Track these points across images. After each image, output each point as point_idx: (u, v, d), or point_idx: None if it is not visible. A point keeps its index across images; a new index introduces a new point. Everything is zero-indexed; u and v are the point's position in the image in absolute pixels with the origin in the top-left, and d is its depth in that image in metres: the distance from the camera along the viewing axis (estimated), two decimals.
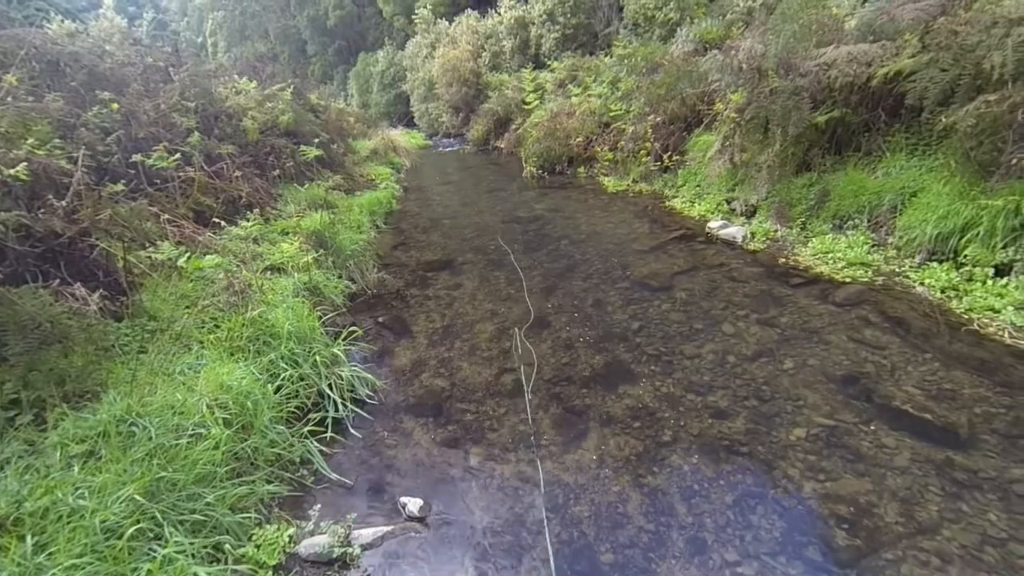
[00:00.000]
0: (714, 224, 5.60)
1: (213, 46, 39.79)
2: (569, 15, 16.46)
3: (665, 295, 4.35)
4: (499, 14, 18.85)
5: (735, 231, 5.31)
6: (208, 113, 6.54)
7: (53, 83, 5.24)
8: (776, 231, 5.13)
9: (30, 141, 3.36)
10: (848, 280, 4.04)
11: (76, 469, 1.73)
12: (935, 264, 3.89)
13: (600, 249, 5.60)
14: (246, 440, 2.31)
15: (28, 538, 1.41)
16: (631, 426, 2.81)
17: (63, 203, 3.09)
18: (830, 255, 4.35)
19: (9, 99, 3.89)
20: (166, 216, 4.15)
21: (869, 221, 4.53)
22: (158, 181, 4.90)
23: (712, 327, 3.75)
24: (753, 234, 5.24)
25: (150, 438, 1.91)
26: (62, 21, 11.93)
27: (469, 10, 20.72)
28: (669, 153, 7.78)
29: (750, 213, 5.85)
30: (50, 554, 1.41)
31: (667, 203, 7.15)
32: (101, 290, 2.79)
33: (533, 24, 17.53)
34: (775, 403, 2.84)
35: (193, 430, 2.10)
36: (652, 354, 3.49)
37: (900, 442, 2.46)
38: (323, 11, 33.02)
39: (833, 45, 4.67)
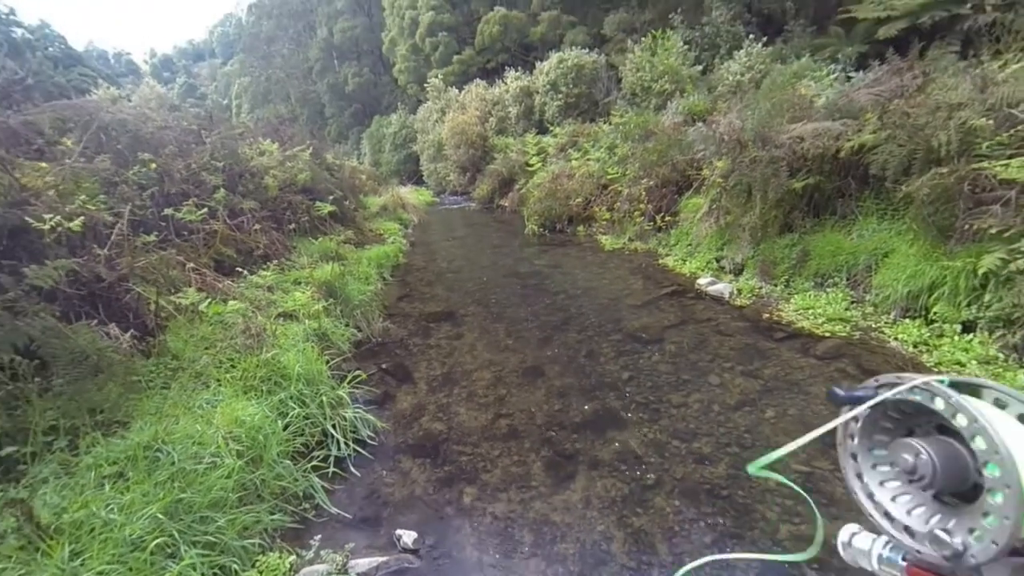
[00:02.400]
0: (703, 281, 5.90)
1: (238, 107, 42.66)
2: (571, 85, 17.80)
3: (656, 347, 4.56)
4: (505, 83, 20.40)
5: (723, 287, 5.61)
6: (233, 171, 7.11)
7: (102, 145, 5.81)
8: (761, 288, 5.42)
9: (81, 197, 3.76)
10: (828, 335, 4.27)
11: (107, 488, 1.91)
12: (908, 320, 4.13)
13: (595, 303, 5.88)
14: (255, 472, 2.47)
15: (66, 545, 1.58)
16: (618, 469, 2.94)
17: (104, 251, 3.43)
18: (811, 311, 4.60)
19: (66, 160, 4.37)
20: (191, 265, 4.49)
21: (848, 279, 4.82)
22: (185, 233, 5.31)
23: (699, 378, 3.94)
24: (739, 290, 5.53)
25: (172, 463, 2.09)
26: (107, 88, 13.16)
27: (478, 79, 22.43)
28: (662, 214, 8.26)
29: (738, 271, 6.17)
30: (84, 561, 1.57)
31: (660, 261, 7.51)
32: (132, 331, 3.05)
33: (537, 93, 18.93)
34: (756, 450, 2.98)
35: (210, 459, 2.28)
36: (641, 402, 3.66)
37: None
38: (342, 78, 35.70)
39: (803, 121, 5.19)
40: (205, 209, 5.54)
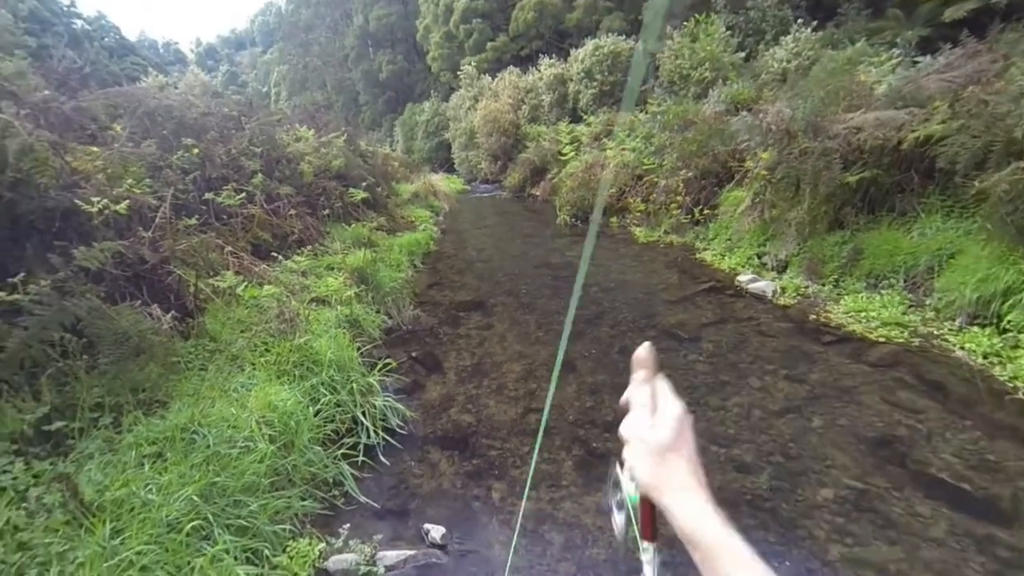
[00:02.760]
0: (744, 277, 5.64)
1: (276, 95, 43.70)
2: (607, 73, 17.34)
3: (692, 346, 4.38)
4: (539, 71, 20.07)
5: (765, 285, 5.34)
6: (271, 157, 7.23)
7: (148, 131, 5.99)
8: (807, 287, 5.13)
9: (128, 181, 3.87)
10: (882, 340, 3.99)
11: (147, 467, 1.94)
12: (976, 328, 3.81)
13: (629, 297, 5.71)
14: (287, 457, 2.49)
15: (107, 523, 1.61)
16: None
17: (148, 234, 3.52)
18: (863, 314, 4.32)
19: (116, 145, 4.50)
20: (228, 248, 4.58)
21: (905, 281, 4.50)
22: (224, 216, 5.43)
23: (739, 380, 3.76)
24: (783, 289, 5.25)
25: (208, 446, 2.12)
26: (156, 76, 13.67)
27: (511, 67, 22.14)
28: (700, 207, 7.95)
29: (780, 268, 5.87)
30: (123, 540, 1.60)
31: (697, 255, 7.24)
32: (173, 312, 3.12)
33: (571, 80, 18.53)
34: (801, 461, 2.81)
35: (243, 443, 2.30)
36: None
37: (936, 512, 2.39)
38: (377, 66, 35.98)
39: (861, 110, 4.83)
40: (243, 194, 5.64)
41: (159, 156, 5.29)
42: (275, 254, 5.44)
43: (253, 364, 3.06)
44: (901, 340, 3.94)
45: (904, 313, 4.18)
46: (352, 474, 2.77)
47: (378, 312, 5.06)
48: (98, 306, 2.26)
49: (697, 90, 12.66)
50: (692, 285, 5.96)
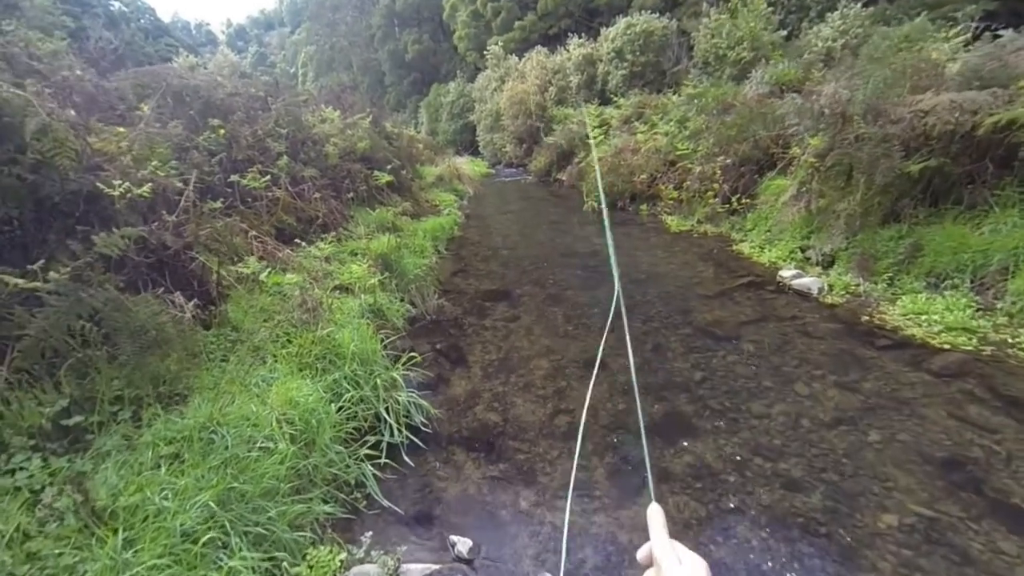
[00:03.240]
0: (787, 273, 5.29)
1: (304, 75, 43.86)
2: (638, 53, 16.65)
3: (731, 346, 4.12)
4: (567, 51, 19.43)
5: (810, 282, 4.99)
6: (296, 139, 7.13)
7: (176, 111, 5.94)
8: (858, 285, 4.76)
9: (153, 163, 3.79)
10: (947, 347, 3.65)
11: (163, 470, 1.86)
12: None
13: (661, 291, 5.44)
14: (308, 457, 2.39)
15: (120, 533, 1.52)
16: (692, 486, 2.63)
17: (173, 218, 3.44)
18: (924, 316, 3.96)
19: (141, 125, 4.44)
20: (253, 233, 4.51)
21: (972, 282, 4.10)
22: (249, 200, 5.36)
23: (783, 385, 3.50)
24: (831, 286, 4.90)
25: (226, 447, 2.02)
26: (187, 56, 13.82)
27: (539, 46, 21.52)
28: (738, 195, 7.53)
29: (827, 263, 5.48)
30: (136, 551, 1.51)
31: (734, 247, 6.88)
32: (195, 300, 3.04)
33: (601, 61, 17.89)
34: (859, 480, 2.57)
35: (263, 443, 2.20)
36: (716, 409, 3.29)
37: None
38: (403, 46, 35.60)
39: (931, 91, 4.38)
40: (268, 176, 5.55)
41: (185, 137, 5.22)
42: (299, 239, 5.36)
43: (275, 356, 2.97)
44: (969, 348, 3.59)
45: (972, 317, 3.81)
46: (374, 474, 2.67)
47: (402, 300, 4.94)
48: (115, 297, 2.18)
49: (734, 71, 12.00)
50: (729, 279, 5.65)
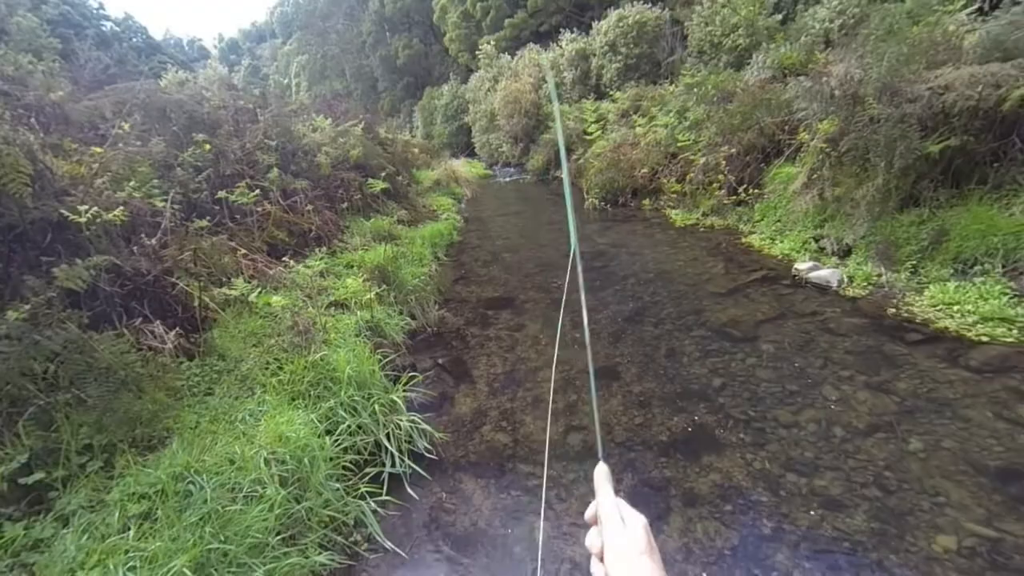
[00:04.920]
0: (802, 265, 5.05)
1: (297, 86, 43.73)
2: (632, 45, 16.40)
3: (749, 347, 3.89)
4: (560, 47, 19.18)
5: (828, 274, 4.75)
6: (287, 150, 6.94)
7: (159, 127, 5.75)
8: (880, 275, 4.52)
9: (131, 183, 3.60)
10: (985, 339, 3.40)
11: (132, 532, 1.66)
12: None
13: (671, 290, 5.21)
14: (301, 499, 2.18)
15: None
16: (721, 509, 2.41)
17: (152, 241, 3.24)
18: (956, 307, 3.72)
19: (120, 144, 4.26)
20: (242, 251, 4.31)
21: (1004, 267, 3.85)
22: (238, 216, 5.17)
23: (810, 389, 3.27)
24: (851, 278, 4.65)
25: (205, 500, 1.82)
26: (176, 72, 13.70)
27: (531, 44, 21.28)
28: (745, 185, 7.28)
29: (843, 253, 5.24)
30: None
31: (743, 239, 6.63)
32: (178, 328, 2.84)
33: (594, 55, 17.64)
34: (905, 496, 2.34)
35: (249, 489, 2.00)
36: (739, 418, 3.07)
37: None
38: (394, 51, 35.41)
39: (949, 66, 4.12)
40: (258, 191, 5.35)
41: (169, 154, 5.04)
42: (293, 253, 5.17)
43: (264, 386, 2.76)
44: (1010, 339, 3.34)
45: (1008, 305, 3.56)
46: (375, 510, 2.46)
47: (401, 313, 4.73)
48: (76, 337, 1.98)
49: (730, 59, 11.74)
50: (742, 274, 5.41)
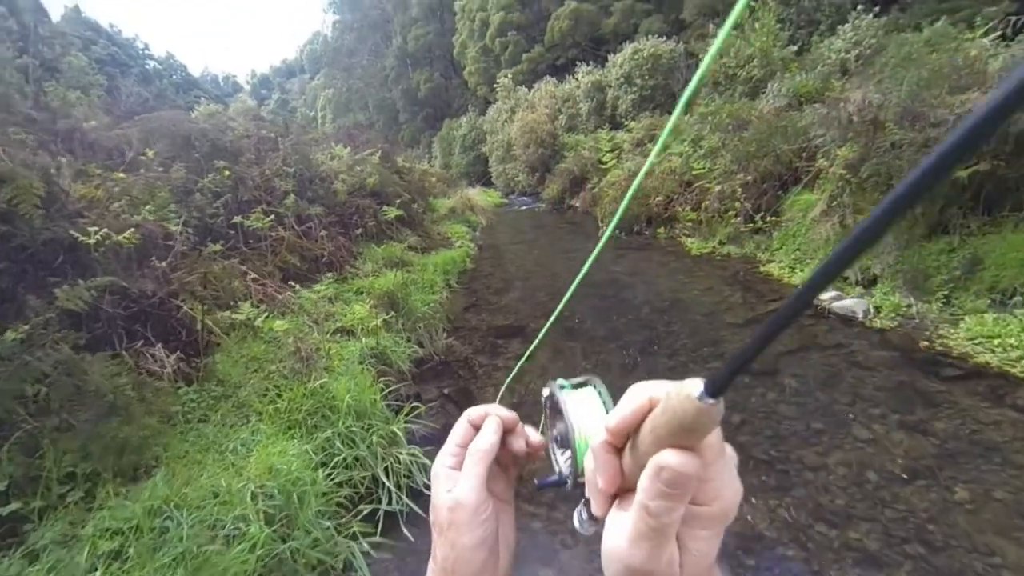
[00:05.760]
0: (825, 295, 4.82)
1: (323, 118, 45.61)
2: (647, 77, 16.68)
3: (770, 381, 3.67)
4: (576, 79, 19.61)
5: (854, 304, 4.52)
6: (304, 176, 7.09)
7: (183, 155, 5.94)
8: (909, 306, 4.28)
9: (148, 207, 3.66)
10: None
11: (99, 573, 1.55)
12: None
13: (687, 320, 5.03)
14: (288, 538, 2.05)
15: None
16: (743, 563, 2.19)
17: (163, 264, 3.26)
18: (996, 340, 3.47)
19: (142, 171, 4.38)
20: (252, 275, 4.32)
21: None
22: (251, 241, 5.23)
23: (837, 428, 3.03)
24: (878, 308, 4.42)
25: (181, 538, 1.71)
26: (207, 104, 14.52)
27: (547, 77, 21.83)
28: (762, 213, 7.13)
29: (868, 283, 5.01)
30: None
31: (761, 268, 6.44)
32: (179, 352, 2.80)
33: (610, 87, 17.96)
34: (954, 554, 2.09)
35: (232, 526, 1.88)
36: (761, 459, 2.85)
37: None
38: (415, 84, 36.79)
39: (975, 90, 4.00)
40: (272, 216, 5.43)
41: (189, 180, 5.17)
42: (293, 284, 5.18)
43: (260, 414, 2.68)
44: None
45: None
46: (369, 551, 2.30)
47: (408, 341, 4.65)
48: (68, 358, 1.94)
49: (745, 89, 11.80)
50: (760, 304, 5.21)
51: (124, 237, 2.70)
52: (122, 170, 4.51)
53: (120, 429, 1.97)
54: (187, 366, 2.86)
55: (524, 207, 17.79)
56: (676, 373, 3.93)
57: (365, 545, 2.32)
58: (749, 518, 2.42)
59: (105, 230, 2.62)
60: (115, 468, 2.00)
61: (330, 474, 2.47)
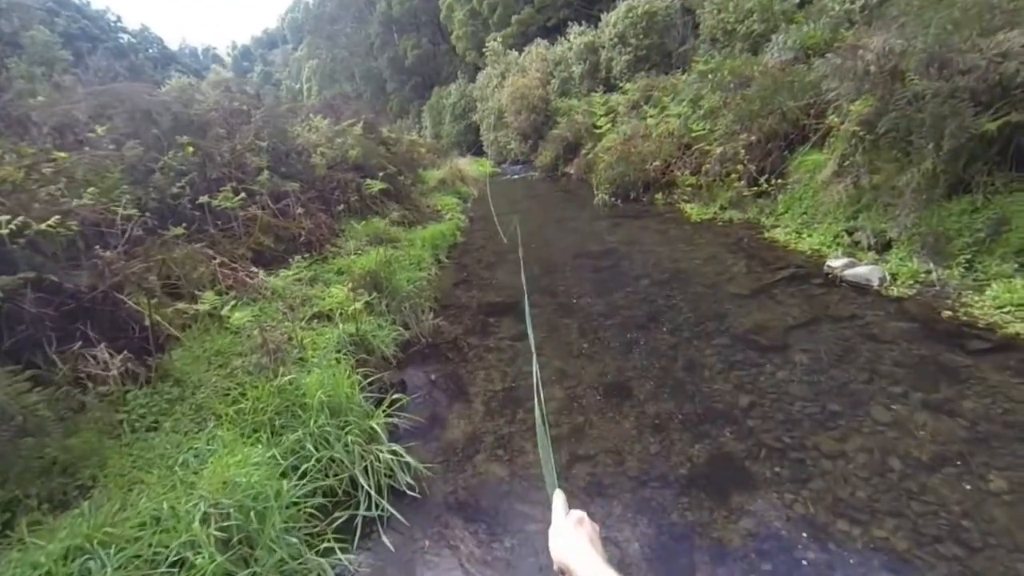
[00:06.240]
0: (836, 262, 4.53)
1: (308, 90, 43.96)
2: (642, 36, 15.87)
3: (780, 357, 3.42)
4: (568, 41, 18.69)
5: (867, 271, 4.23)
6: (279, 151, 6.64)
7: (144, 131, 5.47)
8: (929, 272, 3.99)
9: (91, 190, 3.30)
10: None
11: None
12: None
13: (688, 292, 4.74)
14: (248, 562, 1.81)
15: None
16: (758, 568, 1.97)
17: (109, 253, 2.92)
18: None
19: (87, 149, 3.98)
20: (218, 260, 3.99)
21: None
22: (219, 222, 4.87)
23: (854, 409, 2.79)
24: (894, 275, 4.13)
25: None
26: (179, 78, 13.74)
27: (538, 39, 20.82)
28: (766, 176, 6.74)
29: (881, 247, 4.70)
30: None
31: (766, 234, 6.12)
32: (126, 351, 2.51)
33: (603, 48, 17.12)
34: (994, 555, 1.87)
35: (177, 556, 1.63)
36: (773, 446, 2.61)
37: None
38: (402, 51, 35.28)
39: (1011, 29, 3.58)
40: (243, 195, 5.05)
41: (149, 158, 4.76)
42: (280, 260, 4.85)
43: (220, 417, 2.41)
44: None
45: None
46: (342, 567, 2.08)
47: (393, 323, 4.37)
48: None
49: (744, 46, 11.15)
50: (766, 273, 4.91)
51: (48, 225, 2.35)
52: (66, 149, 4.10)
53: (38, 450, 1.70)
54: (138, 366, 2.57)
55: (517, 176, 17.25)
56: (679, 351, 3.68)
57: (342, 558, 2.09)
58: (763, 515, 2.20)
59: (22, 218, 2.28)
60: (40, 493, 1.75)
61: (299, 481, 2.22)
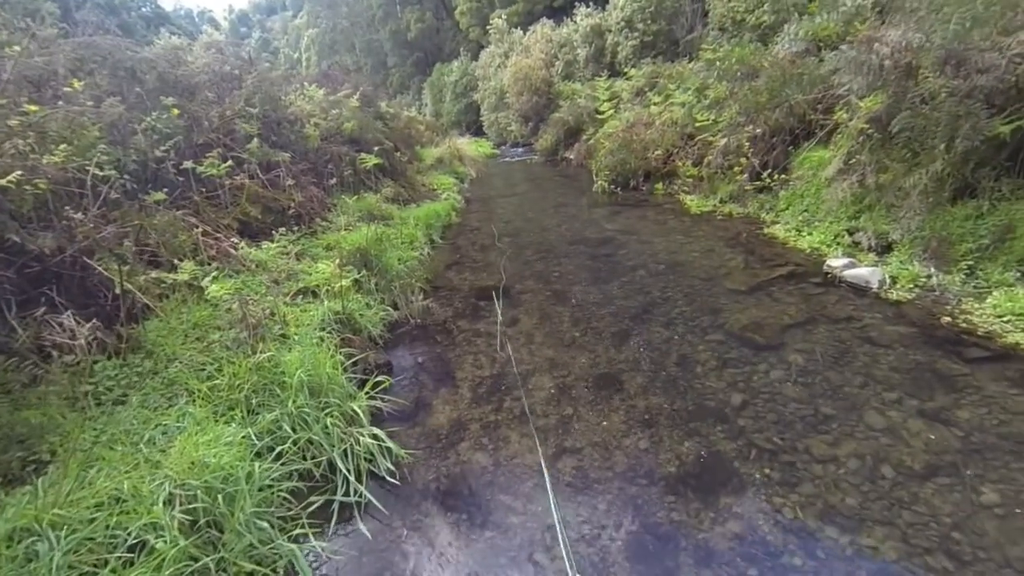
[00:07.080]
0: (836, 262, 4.46)
1: (307, 60, 42.79)
2: (649, 21, 15.52)
3: (774, 357, 3.36)
4: (574, 22, 18.25)
5: (867, 273, 4.16)
6: (271, 119, 6.39)
7: (127, 89, 5.21)
8: (929, 276, 3.93)
9: (63, 147, 3.11)
10: None
11: None
12: None
13: (684, 285, 4.66)
14: (216, 546, 1.72)
15: None
16: (745, 574, 1.92)
17: (79, 215, 2.76)
18: None
19: (60, 103, 3.76)
20: (200, 229, 3.82)
21: None
22: (204, 190, 4.67)
23: (848, 414, 2.74)
24: (894, 278, 4.07)
25: (51, 570, 1.35)
26: (170, 37, 13.16)
27: (544, 19, 20.32)
28: (769, 170, 6.62)
29: (882, 249, 4.63)
30: None
31: (765, 230, 6.02)
32: (96, 320, 2.37)
33: (610, 32, 16.74)
34: (983, 569, 1.83)
35: (136, 539, 1.54)
36: (764, 448, 2.56)
37: None
38: (404, 25, 34.37)
39: None
40: (230, 162, 4.84)
41: (132, 117, 4.53)
42: (267, 232, 4.68)
43: (192, 393, 2.30)
44: None
45: None
46: (315, 554, 2.00)
47: (381, 302, 4.25)
48: None
49: (753, 36, 10.93)
50: (764, 270, 4.83)
51: (8, 180, 2.19)
52: (42, 104, 3.87)
53: (7, 414, 1.59)
54: (108, 336, 2.44)
55: (516, 158, 16.97)
56: (673, 345, 3.60)
57: (315, 544, 2.01)
58: (751, 518, 2.15)
59: None
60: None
61: (274, 464, 2.13)
